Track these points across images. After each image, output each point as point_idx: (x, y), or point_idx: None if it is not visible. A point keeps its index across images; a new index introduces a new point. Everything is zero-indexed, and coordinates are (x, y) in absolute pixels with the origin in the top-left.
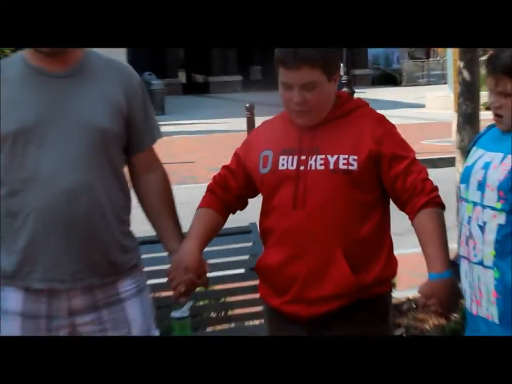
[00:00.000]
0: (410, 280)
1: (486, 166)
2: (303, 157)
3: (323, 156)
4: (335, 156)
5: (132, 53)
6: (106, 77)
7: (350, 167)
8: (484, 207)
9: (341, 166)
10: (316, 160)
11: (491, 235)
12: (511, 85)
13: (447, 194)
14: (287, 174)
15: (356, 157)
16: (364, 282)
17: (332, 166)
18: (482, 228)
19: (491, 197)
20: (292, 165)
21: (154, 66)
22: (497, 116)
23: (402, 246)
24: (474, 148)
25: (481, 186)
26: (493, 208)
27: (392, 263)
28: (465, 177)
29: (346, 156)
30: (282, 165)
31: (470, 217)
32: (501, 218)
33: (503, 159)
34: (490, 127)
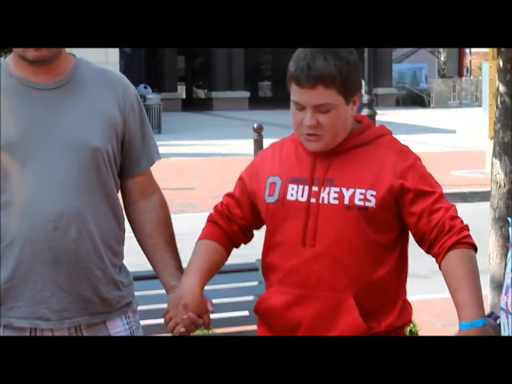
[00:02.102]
0: (434, 329)
1: None
2: (315, 188)
3: (338, 189)
4: (351, 190)
5: (126, 63)
6: (99, 90)
7: (367, 203)
8: None
9: (357, 202)
10: (329, 193)
11: None
12: None
13: (478, 233)
14: (296, 206)
15: (374, 192)
16: (375, 330)
17: (347, 201)
18: None
19: None
20: (302, 196)
21: (151, 78)
22: None
23: (427, 290)
24: None
25: None
26: None
27: (407, 310)
28: None
29: (363, 191)
30: (291, 194)
31: None
32: None
33: None
34: None
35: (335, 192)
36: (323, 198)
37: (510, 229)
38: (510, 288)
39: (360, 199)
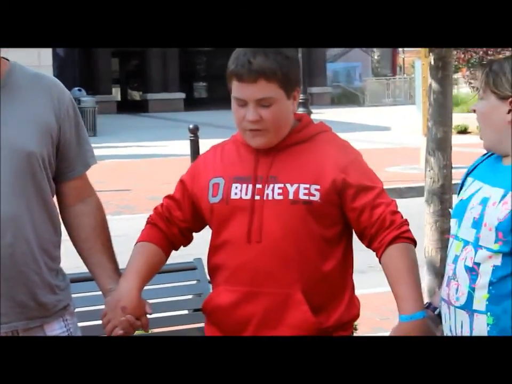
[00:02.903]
0: (373, 323)
1: (484, 201)
2: (259, 186)
3: (282, 185)
4: (295, 185)
5: (59, 65)
6: (34, 94)
7: (312, 198)
8: (477, 247)
9: (302, 196)
10: (273, 190)
11: (485, 277)
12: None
13: (415, 228)
14: (241, 204)
15: (318, 187)
16: (324, 325)
17: (291, 196)
18: (471, 269)
19: (488, 237)
20: (246, 194)
21: (85, 80)
22: None
23: (364, 285)
24: (470, 178)
25: (477, 224)
26: (489, 249)
27: (354, 304)
28: (458, 212)
29: (307, 185)
30: (235, 193)
31: (457, 256)
32: (497, 260)
33: (503, 196)
34: (487, 155)
35: (279, 188)
36: (267, 194)
37: (451, 220)
38: (452, 280)
39: (304, 194)
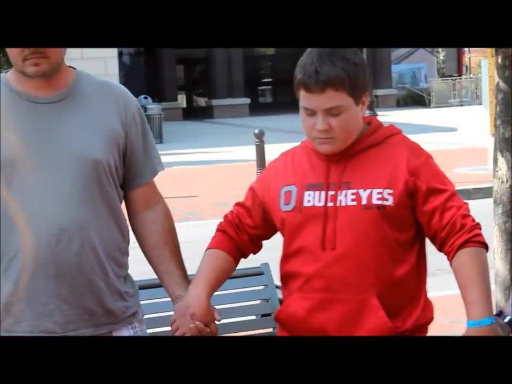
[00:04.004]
0: (442, 326)
1: None
2: (332, 192)
3: (354, 191)
4: (368, 190)
5: (126, 74)
6: (100, 102)
7: (385, 202)
8: None
9: (375, 201)
10: (346, 195)
11: None
12: None
13: (484, 230)
14: (314, 212)
15: (391, 191)
16: (401, 329)
17: (364, 202)
18: None
19: None
20: (319, 201)
21: (151, 88)
22: None
23: (434, 288)
24: None
25: None
26: None
27: (429, 307)
28: None
29: (380, 190)
30: (308, 201)
31: None
32: None
33: None
34: None
35: (352, 194)
36: (340, 200)
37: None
38: None
39: (378, 199)
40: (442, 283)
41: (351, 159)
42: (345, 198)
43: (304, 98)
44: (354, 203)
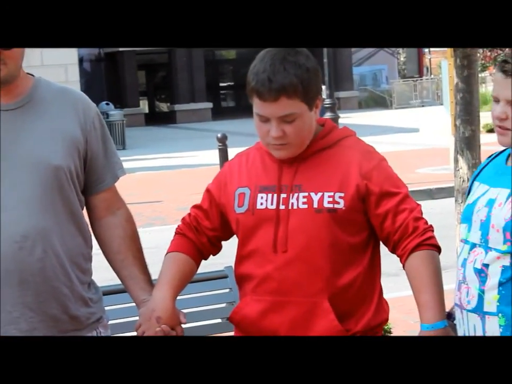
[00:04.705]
0: (407, 326)
1: (490, 203)
2: (284, 195)
3: (306, 194)
4: (320, 194)
5: (87, 80)
6: (59, 108)
7: (336, 206)
8: (487, 248)
9: (326, 205)
10: (298, 199)
11: (494, 278)
12: None
13: (447, 229)
14: (266, 214)
15: (342, 194)
16: (352, 331)
17: (316, 205)
18: (480, 271)
19: (496, 239)
20: (272, 203)
21: (112, 94)
22: (502, 128)
23: (397, 288)
24: (477, 182)
25: (484, 226)
26: (498, 250)
27: (383, 308)
28: (466, 217)
29: (331, 193)
30: (261, 203)
31: (465, 260)
32: (505, 260)
33: (509, 196)
34: (492, 157)
35: (303, 197)
36: (292, 203)
37: (461, 226)
38: (462, 284)
39: (329, 202)
40: (405, 283)
41: (304, 162)
42: (297, 201)
43: (257, 105)
44: (306, 206)
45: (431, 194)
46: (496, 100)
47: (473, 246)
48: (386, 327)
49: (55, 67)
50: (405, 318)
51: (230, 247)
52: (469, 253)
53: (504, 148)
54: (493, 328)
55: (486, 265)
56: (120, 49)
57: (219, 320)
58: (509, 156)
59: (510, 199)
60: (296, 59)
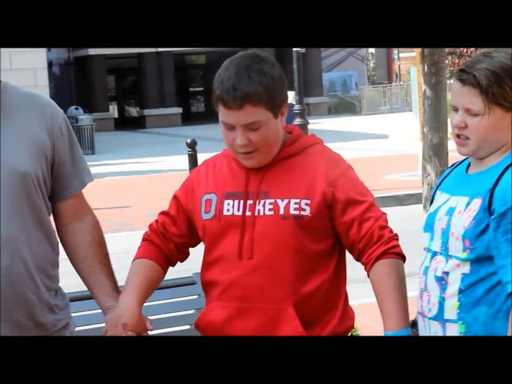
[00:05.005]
0: (375, 332)
1: (450, 212)
2: (250, 202)
3: (272, 200)
4: (286, 200)
5: (56, 85)
6: (26, 114)
7: (302, 213)
8: (447, 256)
9: (292, 212)
10: (264, 205)
11: (454, 286)
12: (482, 103)
13: (415, 235)
14: (233, 221)
15: (308, 201)
16: None
17: (282, 212)
18: (440, 279)
19: (456, 246)
20: (238, 210)
21: (82, 98)
22: (460, 138)
23: (365, 294)
24: (439, 191)
25: (445, 234)
26: (458, 258)
27: (348, 315)
28: (428, 225)
29: (298, 200)
30: (228, 210)
31: (427, 268)
32: (465, 268)
33: (468, 204)
34: (454, 166)
35: (270, 203)
36: (258, 210)
37: (423, 235)
38: (424, 292)
39: (295, 209)
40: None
41: (270, 169)
42: (263, 207)
43: (222, 113)
44: (272, 213)
45: (400, 200)
46: (455, 109)
47: (435, 254)
48: (354, 333)
49: (24, 71)
50: (372, 324)
51: (199, 253)
52: (430, 261)
53: (465, 157)
54: (454, 335)
55: (447, 273)
56: (90, 53)
57: (187, 327)
58: (469, 164)
59: (468, 207)
60: (261, 67)
